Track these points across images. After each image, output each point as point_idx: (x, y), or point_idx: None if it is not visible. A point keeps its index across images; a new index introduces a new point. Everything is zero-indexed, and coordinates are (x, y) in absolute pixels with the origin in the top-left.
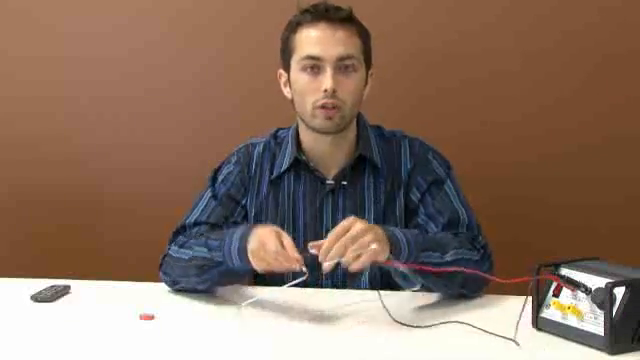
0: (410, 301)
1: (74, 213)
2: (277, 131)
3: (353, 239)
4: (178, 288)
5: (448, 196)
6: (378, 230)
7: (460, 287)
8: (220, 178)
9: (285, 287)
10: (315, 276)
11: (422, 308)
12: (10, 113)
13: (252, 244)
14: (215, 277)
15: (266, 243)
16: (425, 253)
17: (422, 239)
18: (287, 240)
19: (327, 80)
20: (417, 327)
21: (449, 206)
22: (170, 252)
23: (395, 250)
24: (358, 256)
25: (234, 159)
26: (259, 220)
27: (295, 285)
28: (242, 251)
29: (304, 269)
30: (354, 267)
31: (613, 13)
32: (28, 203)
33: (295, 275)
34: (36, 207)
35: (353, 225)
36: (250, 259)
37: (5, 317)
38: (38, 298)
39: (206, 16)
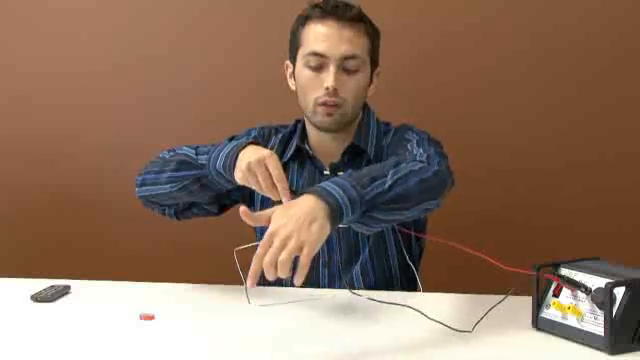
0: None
1: (74, 213)
2: (297, 122)
3: (275, 255)
4: (144, 193)
5: (408, 140)
6: (306, 218)
7: (418, 203)
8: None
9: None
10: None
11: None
12: (10, 113)
13: (252, 156)
14: (189, 179)
15: (268, 164)
16: (368, 189)
17: (357, 176)
18: (280, 184)
19: (329, 78)
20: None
21: (404, 146)
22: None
23: (337, 216)
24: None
25: (254, 133)
26: (265, 204)
27: None
28: (231, 156)
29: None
30: (296, 282)
31: (618, 12)
32: (28, 203)
33: None
34: (36, 207)
35: (276, 235)
36: (238, 165)
37: (5, 317)
38: (38, 298)
39: (206, 16)
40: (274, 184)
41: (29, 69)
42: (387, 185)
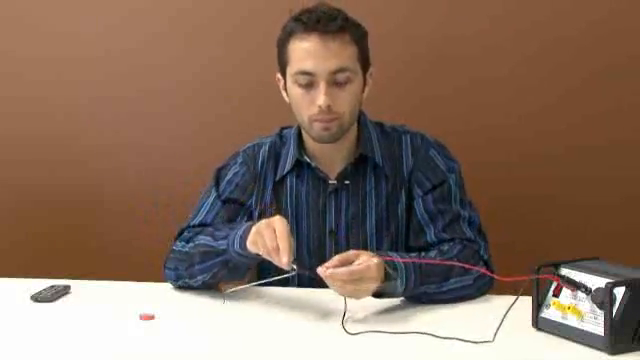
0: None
1: (74, 213)
2: (282, 130)
3: (352, 281)
4: (181, 284)
5: (450, 196)
6: (379, 267)
7: (459, 299)
8: (226, 178)
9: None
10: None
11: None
12: (10, 113)
13: (263, 222)
14: (217, 267)
15: (263, 235)
16: (423, 287)
17: (421, 272)
18: (283, 244)
19: (321, 96)
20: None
21: (451, 207)
22: (175, 247)
23: (389, 282)
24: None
25: (240, 159)
26: None
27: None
28: (245, 233)
29: (294, 266)
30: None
31: (610, 16)
32: (28, 203)
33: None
34: (36, 207)
35: (357, 259)
36: (247, 245)
37: (5, 317)
38: (38, 298)
39: (206, 16)
40: (278, 246)
41: (28, 69)
42: (440, 290)
